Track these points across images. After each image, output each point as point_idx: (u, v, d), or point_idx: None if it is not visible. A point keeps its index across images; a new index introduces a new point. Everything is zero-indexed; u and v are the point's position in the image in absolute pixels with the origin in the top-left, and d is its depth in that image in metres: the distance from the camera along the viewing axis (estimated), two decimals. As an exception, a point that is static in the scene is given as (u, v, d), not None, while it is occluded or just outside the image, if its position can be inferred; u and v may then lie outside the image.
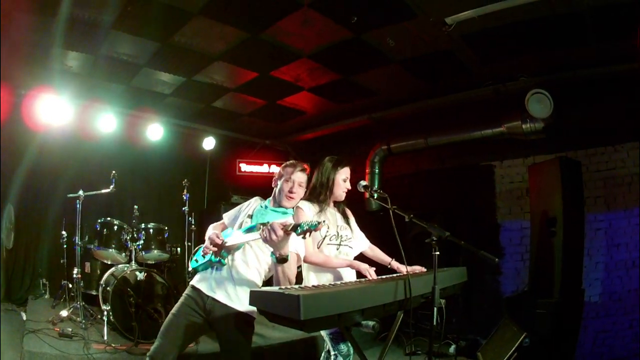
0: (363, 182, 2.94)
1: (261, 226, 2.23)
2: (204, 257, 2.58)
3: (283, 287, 2.09)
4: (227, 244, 2.50)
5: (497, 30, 4.23)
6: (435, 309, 2.34)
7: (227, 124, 7.38)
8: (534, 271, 5.19)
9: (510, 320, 4.58)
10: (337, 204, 3.10)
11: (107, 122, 6.10)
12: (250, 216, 2.68)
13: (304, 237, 2.18)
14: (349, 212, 3.19)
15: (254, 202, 2.81)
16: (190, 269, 2.73)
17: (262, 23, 4.27)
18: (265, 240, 2.17)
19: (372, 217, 6.49)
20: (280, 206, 2.70)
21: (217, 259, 2.51)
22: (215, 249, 2.50)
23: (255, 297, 2.01)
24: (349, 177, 3.04)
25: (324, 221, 2.49)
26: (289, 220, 2.26)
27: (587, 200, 5.25)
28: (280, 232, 2.11)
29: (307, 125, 7.36)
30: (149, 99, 6.22)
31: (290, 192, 2.65)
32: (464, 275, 3.23)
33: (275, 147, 8.37)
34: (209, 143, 7.25)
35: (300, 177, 2.71)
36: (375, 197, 2.80)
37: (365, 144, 7.05)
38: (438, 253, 2.41)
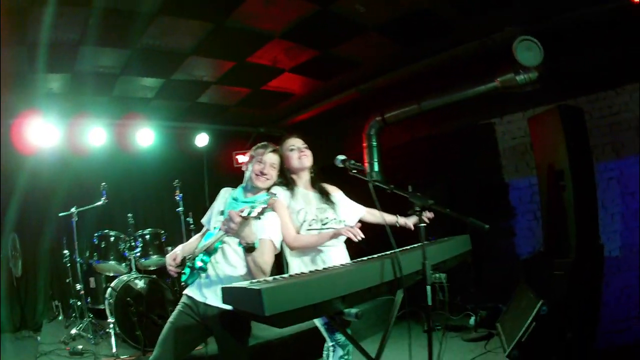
0: (340, 157, 2.67)
1: None
2: (190, 269, 2.51)
3: (255, 280, 1.94)
4: (198, 250, 2.47)
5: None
6: (428, 287, 2.16)
7: (217, 118, 7.26)
8: (548, 230, 4.93)
9: (526, 285, 4.32)
10: (314, 184, 2.92)
11: (97, 136, 6.11)
12: (222, 212, 2.56)
13: (258, 218, 2.11)
14: (329, 188, 3.00)
15: (222, 196, 2.70)
16: (182, 283, 2.67)
17: (223, 10, 4.11)
18: (226, 232, 2.14)
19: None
20: (251, 191, 2.58)
21: (200, 267, 2.43)
22: (178, 269, 2.55)
23: (226, 295, 1.89)
24: (297, 145, 2.86)
25: (274, 194, 2.39)
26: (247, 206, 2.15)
27: (595, 148, 4.95)
28: (238, 219, 2.09)
29: (298, 106, 7.17)
30: (134, 105, 6.18)
31: (262, 172, 2.53)
32: (467, 244, 3.04)
33: (271, 133, 8.12)
34: (202, 140, 7.16)
35: (272, 158, 2.59)
36: (353, 171, 2.61)
37: (360, 117, 6.81)
38: (424, 224, 2.25)
